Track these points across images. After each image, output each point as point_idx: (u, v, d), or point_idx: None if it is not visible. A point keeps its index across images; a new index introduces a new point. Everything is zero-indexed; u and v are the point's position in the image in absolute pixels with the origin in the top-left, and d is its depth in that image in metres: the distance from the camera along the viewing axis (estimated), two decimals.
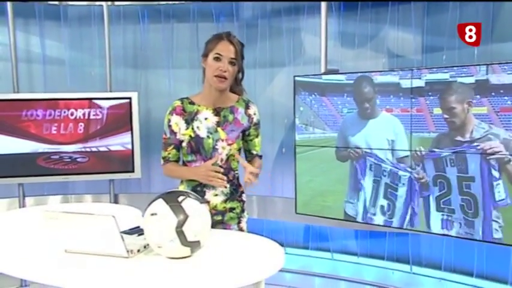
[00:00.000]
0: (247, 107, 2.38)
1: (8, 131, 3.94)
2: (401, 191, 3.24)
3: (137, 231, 1.90)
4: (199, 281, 1.58)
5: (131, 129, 4.08)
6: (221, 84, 2.26)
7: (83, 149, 4.06)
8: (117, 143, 4.09)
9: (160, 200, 1.68)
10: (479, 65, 2.83)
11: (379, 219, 3.36)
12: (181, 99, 2.35)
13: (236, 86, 2.38)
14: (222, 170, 2.27)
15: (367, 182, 3.39)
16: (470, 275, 3.59)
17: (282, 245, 4.53)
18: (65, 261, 1.72)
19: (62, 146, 4.03)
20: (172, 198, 1.67)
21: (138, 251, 1.75)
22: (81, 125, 4.04)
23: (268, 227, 4.40)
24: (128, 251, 1.69)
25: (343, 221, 3.54)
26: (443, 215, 3.05)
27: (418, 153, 3.11)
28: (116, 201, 4.23)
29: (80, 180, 4.26)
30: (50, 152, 4.02)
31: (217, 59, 2.24)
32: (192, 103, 2.34)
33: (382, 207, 3.35)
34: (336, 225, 3.93)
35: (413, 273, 3.87)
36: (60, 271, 1.66)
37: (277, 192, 4.37)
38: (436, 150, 3.02)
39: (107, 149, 4.08)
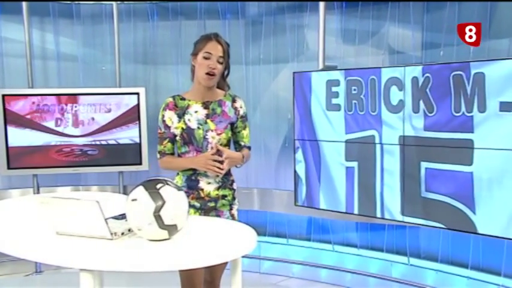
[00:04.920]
0: (233, 101, 2.55)
1: (24, 125, 4.15)
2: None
3: (125, 216, 2.04)
4: (174, 259, 1.74)
5: (139, 123, 4.25)
6: (210, 82, 2.45)
7: (93, 142, 4.24)
8: (126, 136, 4.26)
9: (141, 187, 1.82)
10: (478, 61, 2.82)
11: None
12: (173, 96, 2.53)
13: (222, 82, 2.56)
14: (221, 158, 2.39)
15: None
16: (466, 266, 3.66)
17: (285, 236, 4.63)
18: (56, 242, 1.88)
19: (73, 139, 4.22)
20: (151, 185, 1.81)
21: (122, 233, 1.89)
22: (91, 119, 4.22)
23: (272, 219, 4.52)
24: (111, 233, 1.84)
25: (340, 213, 3.64)
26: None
27: None
28: (125, 192, 4.40)
29: (91, 172, 4.45)
30: (62, 144, 4.22)
31: (206, 57, 2.42)
32: (183, 99, 2.51)
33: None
34: (334, 217, 4.03)
35: (411, 265, 3.95)
36: (52, 251, 1.82)
37: (281, 185, 4.48)
38: None
39: (116, 142, 4.26)
